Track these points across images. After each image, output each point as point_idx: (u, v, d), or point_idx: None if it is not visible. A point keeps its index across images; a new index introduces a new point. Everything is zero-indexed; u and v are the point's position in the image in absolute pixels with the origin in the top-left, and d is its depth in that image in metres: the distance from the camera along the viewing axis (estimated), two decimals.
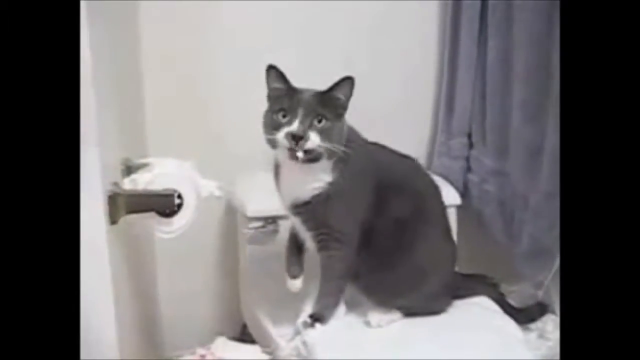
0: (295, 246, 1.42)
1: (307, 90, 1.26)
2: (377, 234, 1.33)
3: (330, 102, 1.23)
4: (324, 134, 1.20)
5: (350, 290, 1.40)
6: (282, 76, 1.26)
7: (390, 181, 1.35)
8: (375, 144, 1.40)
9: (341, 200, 1.28)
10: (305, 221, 1.32)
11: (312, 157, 1.21)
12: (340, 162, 1.26)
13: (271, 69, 1.26)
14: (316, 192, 1.26)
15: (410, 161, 1.42)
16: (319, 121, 1.21)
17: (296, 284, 1.42)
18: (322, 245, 1.32)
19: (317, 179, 1.26)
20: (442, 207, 1.44)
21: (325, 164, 1.24)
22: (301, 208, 1.30)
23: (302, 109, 1.21)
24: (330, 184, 1.26)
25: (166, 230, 1.13)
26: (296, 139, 1.19)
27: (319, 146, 1.20)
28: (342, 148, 1.22)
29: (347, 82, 1.23)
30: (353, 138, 1.30)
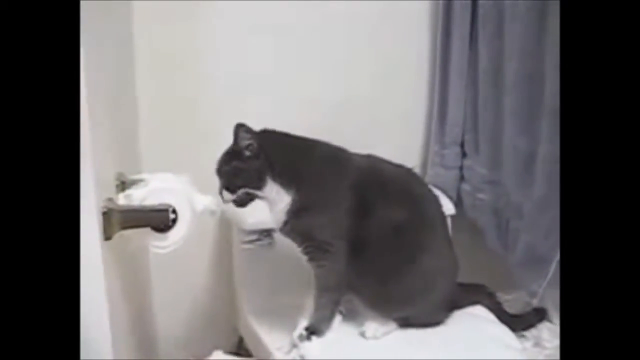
0: None
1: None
2: (371, 242, 1.33)
3: (238, 153, 1.31)
4: (230, 186, 1.32)
5: (348, 301, 1.41)
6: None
7: (377, 189, 1.36)
8: (368, 155, 1.41)
9: (315, 212, 1.33)
10: (293, 238, 1.37)
11: (247, 200, 1.34)
12: (289, 181, 1.31)
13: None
14: (286, 209, 1.32)
15: (405, 170, 1.43)
16: (223, 177, 1.33)
17: None
18: (310, 257, 1.35)
19: (280, 200, 1.32)
20: (442, 216, 1.44)
21: (272, 189, 1.31)
22: (284, 228, 1.35)
23: (217, 170, 1.34)
24: (293, 200, 1.31)
25: (161, 245, 1.12)
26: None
27: (236, 197, 1.32)
28: (251, 190, 1.31)
29: (237, 130, 1.31)
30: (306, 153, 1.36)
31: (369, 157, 1.41)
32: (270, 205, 1.34)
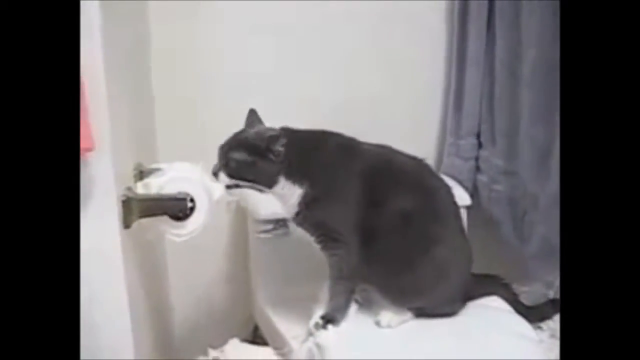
0: None
1: (241, 132, 1.33)
2: (383, 233, 1.34)
3: (261, 150, 1.28)
4: (236, 175, 1.28)
5: (364, 290, 1.41)
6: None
7: (388, 179, 1.36)
8: (380, 146, 1.41)
9: (326, 203, 1.33)
10: (305, 228, 1.37)
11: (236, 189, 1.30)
12: (301, 177, 1.31)
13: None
14: (298, 201, 1.32)
15: (417, 161, 1.43)
16: (232, 163, 1.28)
17: None
18: (324, 246, 1.36)
19: (291, 195, 1.32)
20: (455, 207, 1.43)
21: (283, 186, 1.31)
22: (296, 219, 1.36)
23: (220, 149, 1.30)
24: (305, 192, 1.31)
25: (179, 233, 1.14)
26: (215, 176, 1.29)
27: (232, 184, 1.28)
28: (258, 186, 1.30)
29: (278, 134, 1.28)
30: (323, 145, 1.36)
31: (381, 147, 1.41)
32: (281, 199, 1.35)
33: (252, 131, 1.32)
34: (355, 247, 1.34)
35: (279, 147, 1.27)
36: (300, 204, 1.32)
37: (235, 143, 1.30)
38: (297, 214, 1.34)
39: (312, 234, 1.37)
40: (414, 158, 1.42)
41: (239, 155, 1.28)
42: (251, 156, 1.28)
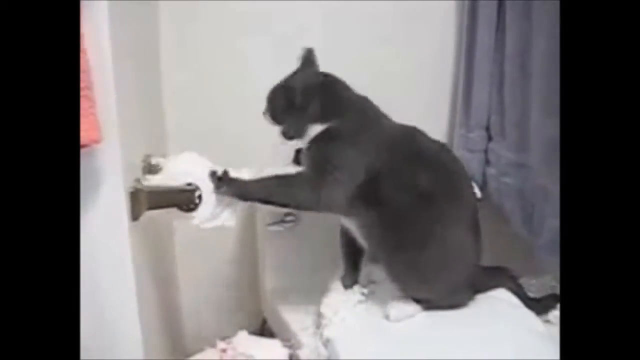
0: (350, 254, 1.46)
1: (289, 76, 1.38)
2: (399, 206, 1.30)
3: (288, 92, 1.33)
4: (272, 118, 1.36)
5: (372, 283, 1.41)
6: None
7: (410, 153, 1.34)
8: (406, 125, 1.40)
9: (343, 143, 1.31)
10: (306, 158, 1.36)
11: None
12: (330, 116, 1.32)
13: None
14: (316, 134, 1.33)
15: (441, 144, 1.41)
16: (268, 107, 1.37)
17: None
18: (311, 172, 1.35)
19: (315, 131, 1.33)
20: (473, 194, 1.42)
21: (311, 129, 1.33)
22: (307, 149, 1.35)
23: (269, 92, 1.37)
24: (327, 128, 1.32)
25: (188, 222, 1.14)
26: None
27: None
28: (290, 132, 1.34)
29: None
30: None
31: (407, 126, 1.40)
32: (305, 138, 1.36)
33: (294, 78, 1.36)
34: (353, 184, 1.29)
35: (317, 106, 1.31)
36: (317, 137, 1.33)
37: (277, 87, 1.36)
38: (311, 144, 1.34)
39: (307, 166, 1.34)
40: (438, 141, 1.41)
41: (275, 101, 1.35)
42: (285, 103, 1.33)
